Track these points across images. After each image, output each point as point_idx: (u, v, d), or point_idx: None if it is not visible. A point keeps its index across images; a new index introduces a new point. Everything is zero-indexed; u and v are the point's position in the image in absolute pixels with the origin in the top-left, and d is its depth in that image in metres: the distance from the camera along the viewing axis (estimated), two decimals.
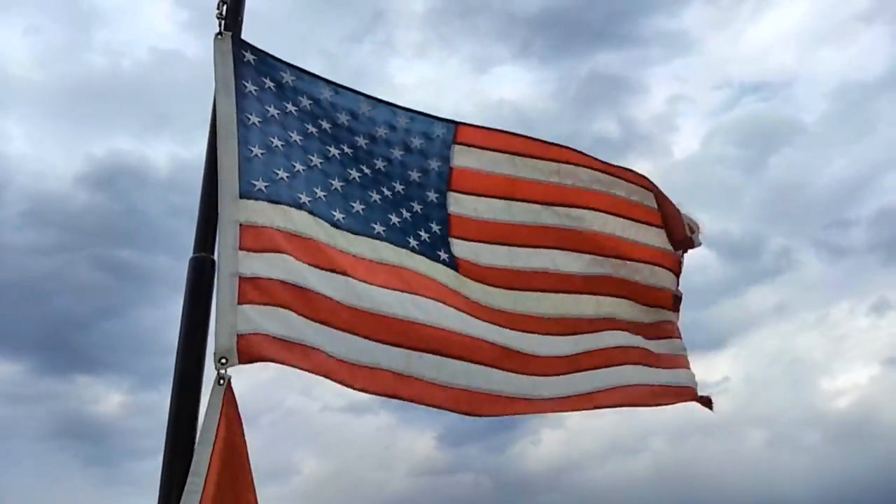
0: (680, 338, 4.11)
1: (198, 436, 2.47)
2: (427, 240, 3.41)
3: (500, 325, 3.42)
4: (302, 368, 2.74)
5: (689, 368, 4.06)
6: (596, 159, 3.88)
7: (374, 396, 3.05)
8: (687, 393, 4.00)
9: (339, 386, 2.87)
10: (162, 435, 2.60)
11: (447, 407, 3.17)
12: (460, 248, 3.50)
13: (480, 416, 3.31)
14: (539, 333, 3.54)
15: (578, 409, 3.64)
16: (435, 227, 3.47)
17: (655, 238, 4.02)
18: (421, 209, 3.46)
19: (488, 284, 3.49)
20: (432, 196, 3.52)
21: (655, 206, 4.01)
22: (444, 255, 3.42)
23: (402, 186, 3.45)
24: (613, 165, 3.93)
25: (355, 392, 2.92)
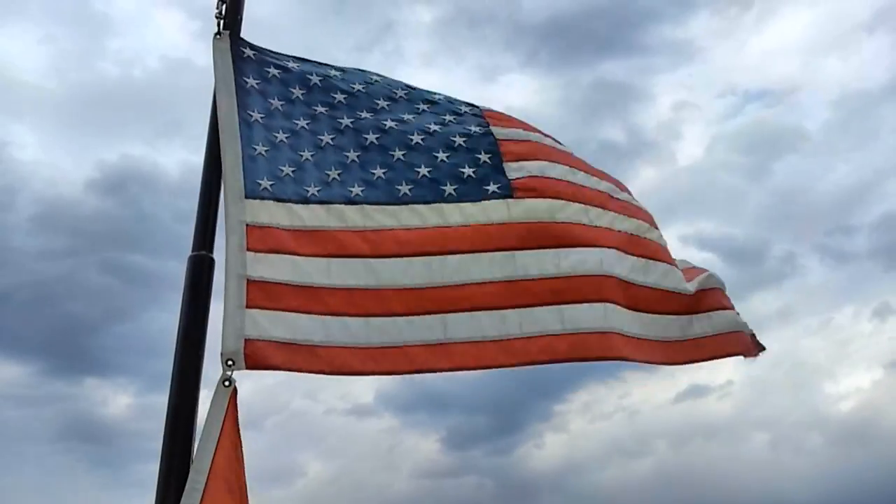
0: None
1: (199, 434, 2.46)
2: (473, 175, 3.19)
3: (569, 246, 3.13)
4: (310, 372, 2.68)
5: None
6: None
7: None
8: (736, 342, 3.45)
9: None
10: None
11: (497, 363, 2.88)
12: (520, 168, 3.28)
13: (539, 363, 2.93)
14: (611, 248, 3.25)
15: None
16: (484, 157, 3.27)
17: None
18: (465, 142, 3.29)
19: (556, 198, 3.25)
20: (475, 129, 3.36)
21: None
22: (493, 187, 3.18)
23: (437, 126, 3.30)
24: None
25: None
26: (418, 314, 2.85)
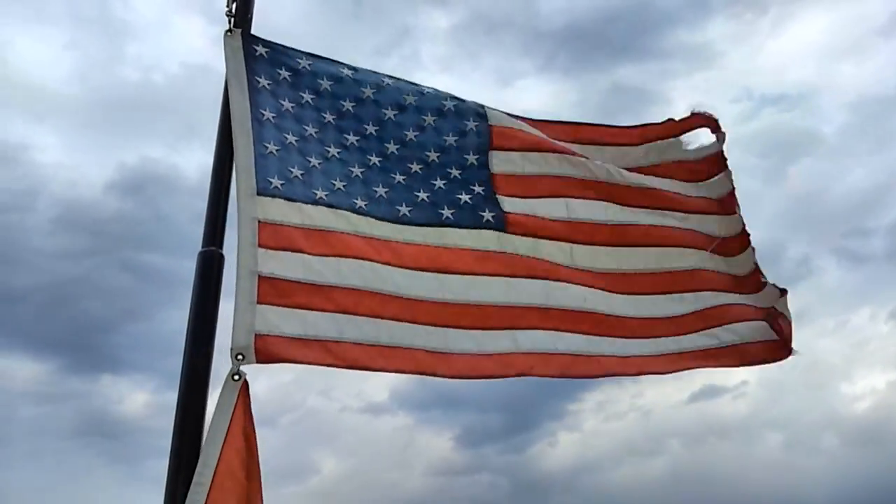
0: (766, 283, 4.05)
1: (207, 428, 2.47)
2: (469, 202, 3.32)
3: (550, 279, 3.31)
4: (322, 364, 2.71)
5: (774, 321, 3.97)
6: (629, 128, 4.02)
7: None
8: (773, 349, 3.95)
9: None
10: None
11: (499, 374, 3.04)
12: (512, 203, 3.41)
13: (534, 375, 3.13)
14: (597, 288, 3.42)
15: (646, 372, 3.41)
16: (478, 189, 3.39)
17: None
18: (460, 174, 3.39)
19: (543, 238, 3.39)
20: (472, 159, 3.45)
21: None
22: (488, 216, 3.32)
23: (436, 154, 3.38)
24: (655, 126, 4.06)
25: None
26: (422, 323, 2.95)
